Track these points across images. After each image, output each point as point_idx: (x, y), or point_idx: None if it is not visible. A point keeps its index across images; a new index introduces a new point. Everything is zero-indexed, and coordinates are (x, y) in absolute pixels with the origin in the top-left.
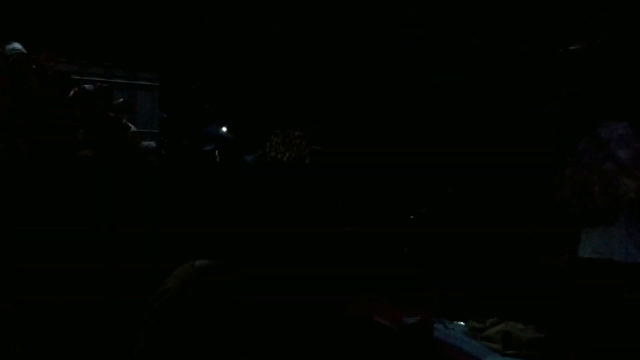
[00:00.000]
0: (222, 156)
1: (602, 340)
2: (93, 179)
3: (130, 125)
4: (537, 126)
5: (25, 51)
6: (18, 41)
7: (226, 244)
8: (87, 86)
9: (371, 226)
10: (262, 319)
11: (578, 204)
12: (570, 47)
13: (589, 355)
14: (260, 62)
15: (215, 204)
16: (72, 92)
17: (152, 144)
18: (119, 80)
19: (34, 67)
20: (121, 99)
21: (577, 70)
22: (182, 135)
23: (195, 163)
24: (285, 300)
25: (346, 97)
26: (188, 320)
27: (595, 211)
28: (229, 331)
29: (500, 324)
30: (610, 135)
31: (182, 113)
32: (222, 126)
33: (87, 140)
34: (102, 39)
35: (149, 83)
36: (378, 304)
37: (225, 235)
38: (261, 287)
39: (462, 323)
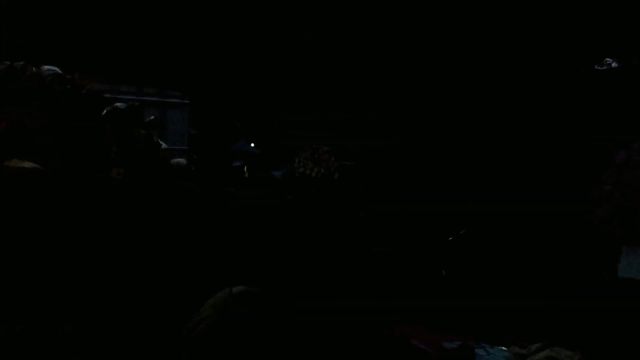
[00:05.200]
0: (250, 172)
1: None
2: (124, 197)
3: (161, 142)
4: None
5: (60, 72)
6: (54, 63)
7: (263, 266)
8: (119, 104)
9: (403, 245)
10: (301, 343)
11: (619, 222)
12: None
13: None
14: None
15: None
16: (104, 111)
17: (183, 160)
18: (150, 98)
19: (68, 87)
20: (152, 117)
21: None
22: (211, 151)
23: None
24: (325, 321)
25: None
26: (224, 350)
27: (634, 231)
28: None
29: (545, 350)
30: None
31: (211, 130)
32: (250, 142)
33: (120, 158)
34: (133, 58)
35: (179, 101)
36: (413, 326)
37: (261, 258)
38: (300, 310)
39: (504, 348)
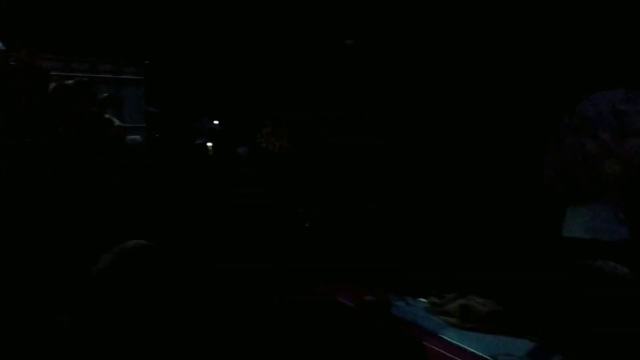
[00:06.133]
0: (215, 149)
1: (565, 315)
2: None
3: (114, 119)
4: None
5: (3, 47)
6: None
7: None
8: (67, 81)
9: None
10: (208, 306)
11: (562, 184)
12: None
13: (551, 329)
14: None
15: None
16: (51, 87)
17: (138, 137)
18: (104, 75)
19: (13, 63)
20: (106, 94)
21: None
22: (173, 129)
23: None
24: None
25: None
26: (115, 311)
27: (579, 192)
28: (164, 321)
29: (460, 299)
30: (590, 114)
31: (172, 107)
32: (214, 120)
33: (68, 135)
34: (86, 34)
35: (135, 77)
36: (339, 285)
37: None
38: (207, 271)
39: (424, 300)
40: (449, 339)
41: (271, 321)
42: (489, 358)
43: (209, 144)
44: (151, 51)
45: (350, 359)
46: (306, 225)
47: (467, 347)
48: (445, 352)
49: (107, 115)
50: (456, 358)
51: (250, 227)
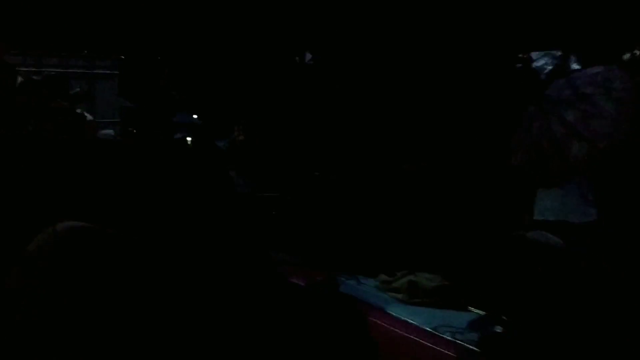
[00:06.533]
0: (194, 144)
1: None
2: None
3: (86, 114)
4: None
5: None
6: None
7: None
8: (35, 77)
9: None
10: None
11: (531, 168)
12: None
13: (490, 300)
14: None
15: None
16: (18, 83)
17: (111, 132)
18: (76, 70)
19: None
20: (78, 89)
21: None
22: (151, 124)
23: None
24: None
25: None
26: (41, 297)
27: (548, 174)
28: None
29: (409, 276)
30: (557, 98)
31: (150, 103)
32: (192, 114)
33: (38, 130)
34: (59, 27)
35: (108, 72)
36: (296, 268)
37: None
38: (146, 255)
39: (373, 279)
40: (394, 314)
41: (226, 308)
42: (430, 330)
43: (189, 139)
44: (126, 45)
45: (300, 335)
46: (273, 212)
47: (410, 321)
48: (388, 326)
49: (78, 111)
50: (398, 331)
51: (225, 216)
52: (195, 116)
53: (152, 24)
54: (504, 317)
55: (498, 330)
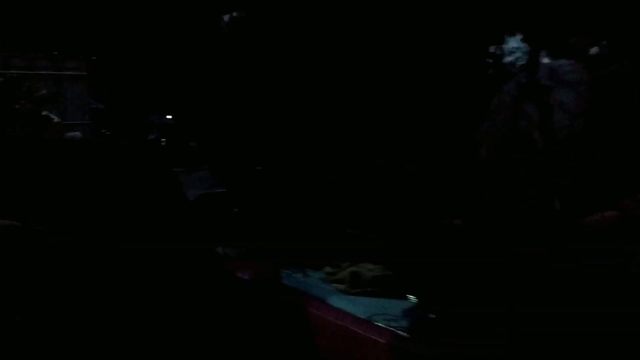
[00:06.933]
0: (168, 144)
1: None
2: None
3: (52, 116)
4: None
5: None
6: None
7: None
8: None
9: None
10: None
11: (496, 159)
12: None
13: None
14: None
15: None
16: None
17: (78, 134)
18: (42, 72)
19: None
20: (44, 91)
21: None
22: (123, 125)
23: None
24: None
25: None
26: None
27: (512, 166)
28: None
29: (352, 267)
30: (518, 91)
31: (122, 103)
32: (165, 114)
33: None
34: (24, 28)
35: (76, 73)
36: (243, 263)
37: None
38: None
39: (319, 271)
40: (332, 304)
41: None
42: (364, 318)
43: (162, 140)
44: (96, 46)
45: (243, 327)
46: (235, 210)
47: (347, 310)
48: (326, 316)
49: (44, 112)
50: (335, 320)
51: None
52: (169, 116)
53: (122, 24)
54: (437, 304)
55: (431, 317)
